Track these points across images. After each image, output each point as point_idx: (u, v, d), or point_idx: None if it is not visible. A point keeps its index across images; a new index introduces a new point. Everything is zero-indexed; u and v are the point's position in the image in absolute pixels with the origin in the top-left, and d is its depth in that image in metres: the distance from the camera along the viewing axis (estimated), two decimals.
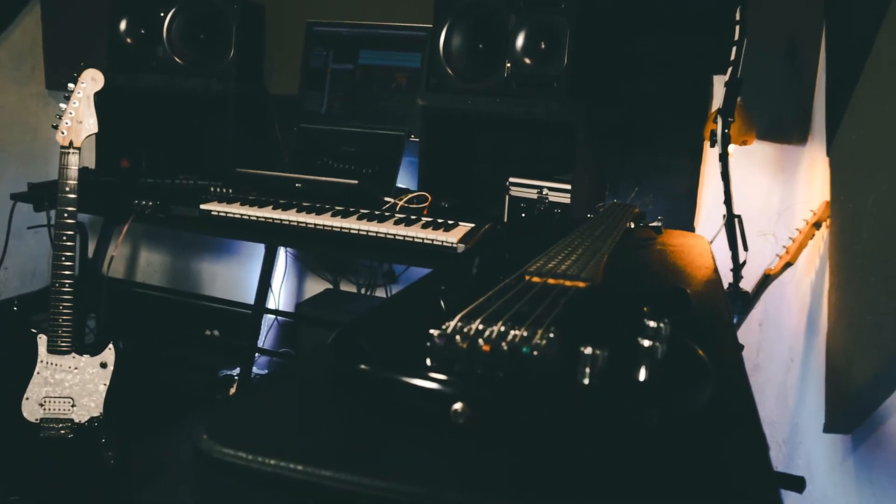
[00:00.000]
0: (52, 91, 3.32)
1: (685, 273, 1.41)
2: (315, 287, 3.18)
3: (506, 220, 2.54)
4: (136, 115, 2.87)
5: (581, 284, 0.92)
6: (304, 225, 2.21)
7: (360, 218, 2.22)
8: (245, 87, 2.82)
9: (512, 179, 2.52)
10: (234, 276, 3.36)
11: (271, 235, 2.28)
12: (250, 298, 3.29)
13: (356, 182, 2.34)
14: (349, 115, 2.79)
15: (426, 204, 2.45)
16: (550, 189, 2.47)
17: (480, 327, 0.68)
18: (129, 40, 2.76)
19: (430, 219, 2.26)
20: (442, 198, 2.49)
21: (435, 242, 2.07)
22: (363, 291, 3.11)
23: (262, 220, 2.25)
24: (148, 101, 2.85)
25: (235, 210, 2.28)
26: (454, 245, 2.06)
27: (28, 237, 3.01)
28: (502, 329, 0.68)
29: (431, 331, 0.67)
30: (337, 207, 2.31)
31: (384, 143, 2.68)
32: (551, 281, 0.93)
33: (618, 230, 1.37)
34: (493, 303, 0.77)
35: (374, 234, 2.12)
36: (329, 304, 2.84)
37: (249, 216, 2.26)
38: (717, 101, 2.63)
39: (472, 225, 2.22)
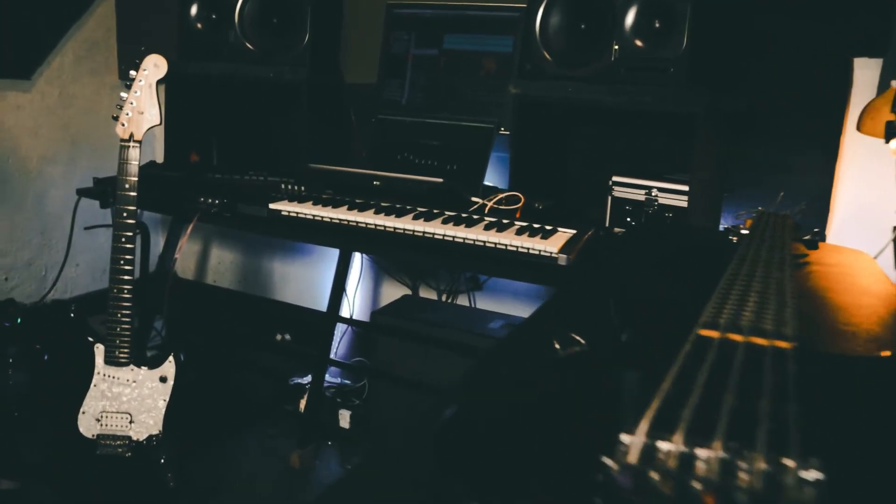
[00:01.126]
0: (125, 81, 3.20)
1: (865, 307, 1.10)
2: (392, 292, 2.94)
3: (608, 223, 2.24)
4: (206, 105, 2.70)
5: (785, 345, 0.63)
6: (381, 228, 1.96)
7: (445, 221, 1.96)
8: (320, 76, 2.60)
9: (616, 178, 2.21)
10: (308, 278, 3.17)
11: (345, 239, 2.05)
12: (324, 302, 3.10)
13: (441, 181, 2.08)
14: (432, 106, 2.54)
15: (519, 205, 2.17)
16: (660, 190, 2.16)
17: (686, 449, 0.40)
18: (199, 25, 2.58)
19: (524, 223, 1.98)
20: (535, 198, 2.21)
21: (532, 252, 1.79)
22: (444, 298, 2.85)
23: (336, 221, 2.02)
24: (219, 90, 2.67)
25: (307, 210, 2.05)
26: (554, 255, 1.78)
27: (99, 233, 2.89)
28: (724, 454, 0.40)
29: (605, 459, 0.39)
30: (419, 209, 2.06)
31: (471, 136, 2.41)
32: (736, 338, 0.64)
33: (786, 252, 1.06)
34: (684, 390, 0.49)
35: (462, 241, 1.86)
36: (407, 312, 2.60)
37: (322, 217, 2.04)
38: (860, 87, 2.26)
39: (574, 231, 1.93)
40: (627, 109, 2.05)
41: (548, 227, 1.94)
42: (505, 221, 1.99)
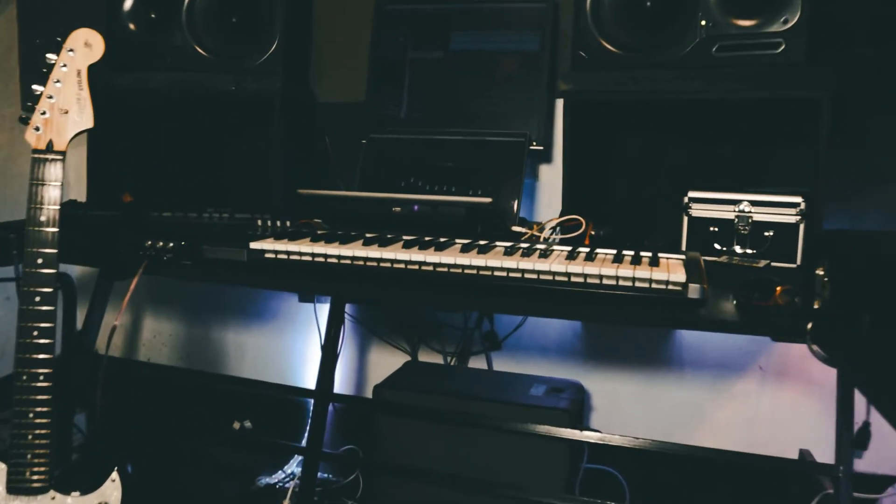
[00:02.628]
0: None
1: None
2: (385, 360, 2.35)
3: (684, 247, 1.75)
4: (143, 127, 2.09)
5: None
6: (417, 267, 1.40)
7: (509, 252, 1.42)
8: (294, 88, 2.05)
9: (693, 194, 1.73)
10: (270, 348, 2.53)
11: (363, 284, 1.46)
12: (292, 376, 2.47)
13: (490, 200, 1.54)
14: (440, 119, 2.02)
15: (581, 231, 1.66)
16: (753, 203, 1.69)
17: None
18: (133, 26, 1.99)
19: (608, 251, 1.46)
20: (596, 223, 1.71)
21: (654, 284, 1.27)
22: (450, 361, 2.28)
23: (349, 261, 1.44)
24: (160, 107, 2.07)
25: (305, 249, 1.47)
26: (681, 286, 1.26)
27: None
28: None
29: None
30: (461, 241, 1.52)
31: (496, 153, 1.90)
32: None
33: None
34: None
35: (549, 277, 1.32)
36: (418, 383, 2.02)
37: (329, 257, 1.46)
38: None
39: (681, 257, 1.43)
40: (726, 99, 1.58)
41: (643, 254, 1.44)
42: (581, 251, 1.46)
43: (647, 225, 1.82)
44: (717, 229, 1.75)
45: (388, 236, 1.56)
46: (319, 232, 1.62)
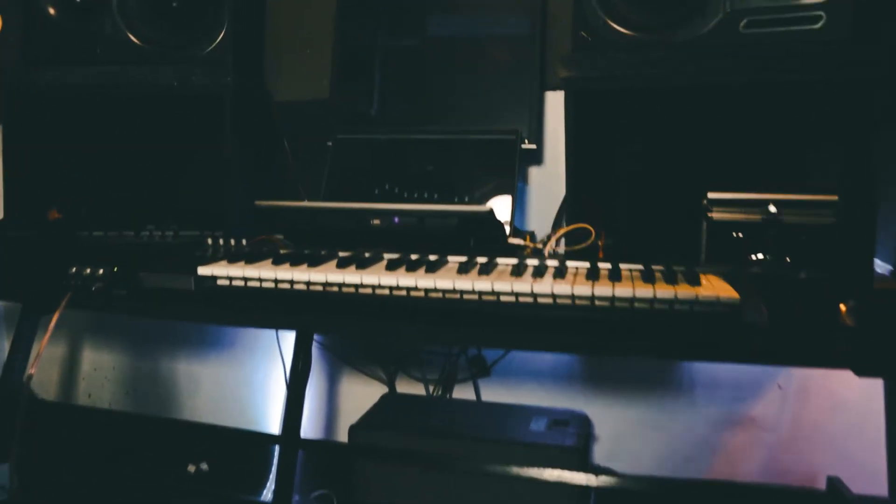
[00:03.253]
0: None
1: None
2: (358, 391, 2.07)
3: (703, 257, 1.53)
4: (69, 131, 1.79)
5: None
6: (405, 293, 1.14)
7: (517, 272, 1.16)
8: (246, 83, 1.78)
9: (713, 195, 1.50)
10: (229, 379, 2.23)
11: (338, 316, 1.19)
12: (254, 413, 2.18)
13: (487, 208, 1.29)
14: (418, 116, 1.77)
15: (590, 242, 1.42)
16: (783, 204, 1.48)
17: None
18: (53, 11, 1.69)
19: (635, 266, 1.22)
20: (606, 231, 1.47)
21: (699, 307, 1.03)
22: (433, 391, 2.02)
23: (321, 287, 1.18)
24: (89, 106, 1.77)
25: (266, 273, 1.20)
26: (733, 307, 1.03)
27: None
28: None
29: None
30: (455, 259, 1.27)
31: (483, 154, 1.66)
32: None
33: None
34: None
35: (567, 301, 1.07)
36: (399, 420, 1.76)
37: (296, 282, 1.19)
38: None
39: (718, 271, 1.20)
40: (753, 84, 1.36)
41: (676, 268, 1.20)
42: (603, 267, 1.22)
43: (662, 231, 1.58)
44: (741, 235, 1.53)
45: (367, 255, 1.30)
46: (283, 252, 1.35)
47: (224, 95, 1.67)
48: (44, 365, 2.39)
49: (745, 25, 1.35)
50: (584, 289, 1.07)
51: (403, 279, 1.14)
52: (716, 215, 1.52)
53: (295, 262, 1.25)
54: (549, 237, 1.44)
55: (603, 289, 1.07)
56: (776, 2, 1.32)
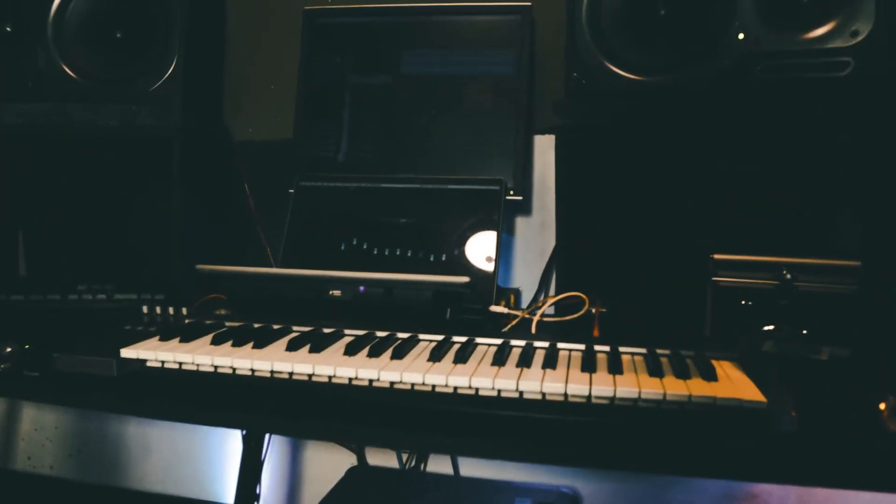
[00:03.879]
0: None
1: None
2: (322, 462, 1.87)
3: (709, 330, 1.36)
4: None
5: None
6: (367, 383, 0.96)
7: (499, 360, 0.98)
8: (197, 122, 1.60)
9: (719, 257, 1.34)
10: (181, 440, 2.02)
11: (289, 415, 0.99)
12: (209, 478, 1.98)
13: (467, 280, 1.11)
14: (389, 163, 1.60)
15: (582, 311, 1.24)
16: (797, 269, 1.32)
17: None
18: None
19: (637, 349, 1.05)
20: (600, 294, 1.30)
21: (717, 414, 0.86)
22: (406, 462, 1.82)
23: (268, 374, 0.99)
24: (17, 150, 1.58)
25: (202, 357, 1.01)
26: (758, 412, 0.85)
27: None
28: None
29: None
30: (426, 338, 1.08)
31: (462, 206, 1.48)
32: None
33: None
34: None
35: (559, 398, 0.89)
36: (370, 499, 1.56)
37: (238, 369, 1.00)
38: None
39: (734, 360, 1.03)
40: (777, 133, 1.20)
41: (685, 354, 1.03)
42: (601, 352, 1.05)
43: (663, 295, 1.41)
44: (751, 303, 1.36)
45: (325, 331, 1.12)
46: (228, 326, 1.16)
47: (171, 138, 1.48)
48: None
49: (761, 70, 1.19)
50: (580, 387, 0.89)
51: (364, 370, 0.95)
52: (722, 280, 1.35)
53: (239, 340, 1.06)
54: (536, 307, 1.26)
55: (602, 386, 0.89)
56: (798, 45, 1.16)
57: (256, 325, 1.15)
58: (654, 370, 0.95)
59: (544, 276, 1.63)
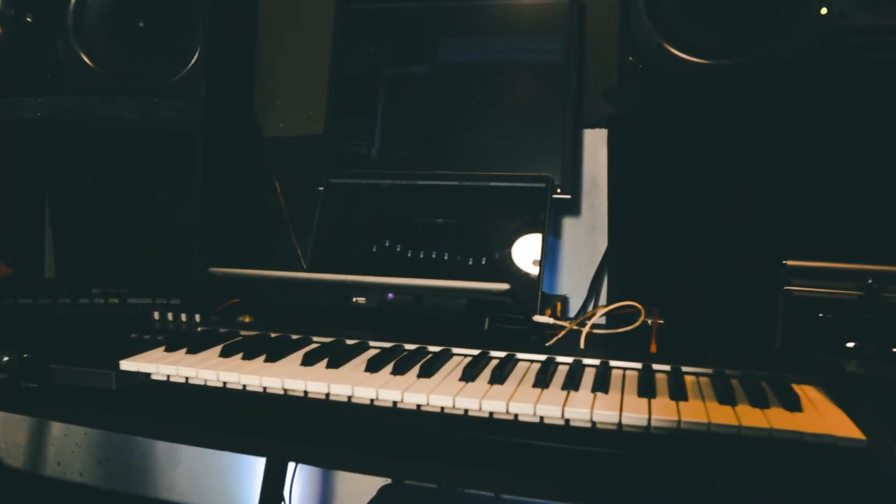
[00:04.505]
0: None
1: None
2: (354, 481, 1.76)
3: (779, 345, 1.20)
4: (11, 174, 1.52)
5: None
6: (391, 404, 0.84)
7: (542, 381, 0.85)
8: (222, 118, 1.50)
9: (793, 263, 1.18)
10: (209, 451, 1.94)
11: (303, 440, 0.88)
12: (237, 490, 1.89)
13: (505, 287, 0.98)
14: (426, 159, 1.48)
15: (637, 323, 1.10)
16: (888, 278, 1.15)
17: None
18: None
19: (702, 370, 0.91)
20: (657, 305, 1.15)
21: (798, 448, 0.71)
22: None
23: (281, 391, 0.88)
24: (36, 145, 1.51)
25: (207, 372, 0.90)
26: (855, 451, 0.70)
27: None
28: None
29: None
30: (460, 352, 0.96)
31: (504, 205, 1.35)
32: None
33: None
34: None
35: (612, 426, 0.76)
36: None
37: (248, 385, 0.89)
38: None
39: (816, 384, 0.88)
40: (865, 123, 1.04)
41: (759, 375, 0.88)
42: (660, 371, 0.91)
43: (728, 305, 1.26)
44: (829, 315, 1.20)
45: (348, 343, 1.00)
46: (242, 335, 1.06)
47: (194, 132, 1.39)
48: (10, 429, 2.12)
49: (848, 50, 1.03)
50: (636, 416, 0.75)
51: (385, 390, 0.83)
52: (796, 289, 1.19)
53: (250, 352, 0.95)
54: (585, 318, 1.12)
55: (663, 416, 0.75)
56: (889, 19, 1.00)
57: (273, 335, 1.04)
58: (725, 396, 0.80)
59: (594, 283, 1.49)
